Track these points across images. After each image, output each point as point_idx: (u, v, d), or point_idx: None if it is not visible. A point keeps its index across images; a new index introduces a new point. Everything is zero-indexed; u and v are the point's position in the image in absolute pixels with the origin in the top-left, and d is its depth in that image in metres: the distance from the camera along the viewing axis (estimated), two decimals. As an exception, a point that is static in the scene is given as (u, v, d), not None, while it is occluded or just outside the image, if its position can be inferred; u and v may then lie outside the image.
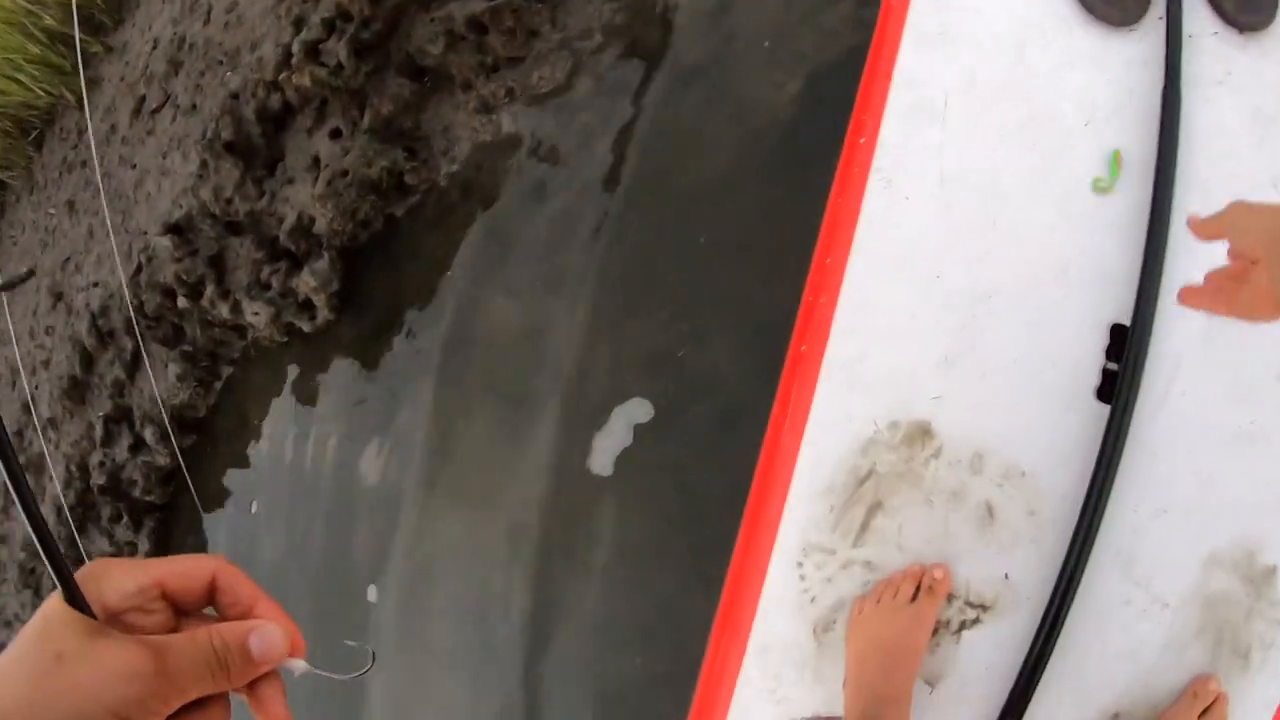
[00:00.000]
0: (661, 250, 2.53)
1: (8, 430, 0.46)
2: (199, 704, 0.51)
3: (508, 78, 2.92)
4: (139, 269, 3.76)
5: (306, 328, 3.07)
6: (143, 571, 0.52)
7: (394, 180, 2.97)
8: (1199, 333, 1.33)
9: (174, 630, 0.53)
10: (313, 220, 3.07)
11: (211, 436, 3.57)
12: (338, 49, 3.06)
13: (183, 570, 0.53)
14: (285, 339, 3.21)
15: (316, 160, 3.15)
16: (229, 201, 3.35)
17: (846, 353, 1.36)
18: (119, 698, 0.47)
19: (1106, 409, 1.28)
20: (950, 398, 1.34)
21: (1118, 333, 1.33)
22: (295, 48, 3.19)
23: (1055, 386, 1.33)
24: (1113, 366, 1.32)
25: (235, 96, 3.49)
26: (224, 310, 3.30)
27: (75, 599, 0.50)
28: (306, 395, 3.14)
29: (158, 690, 0.48)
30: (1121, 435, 1.26)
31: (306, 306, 3.08)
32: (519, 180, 2.80)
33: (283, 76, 3.21)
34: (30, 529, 0.52)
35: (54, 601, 0.50)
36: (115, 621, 0.50)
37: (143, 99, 4.52)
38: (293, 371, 3.21)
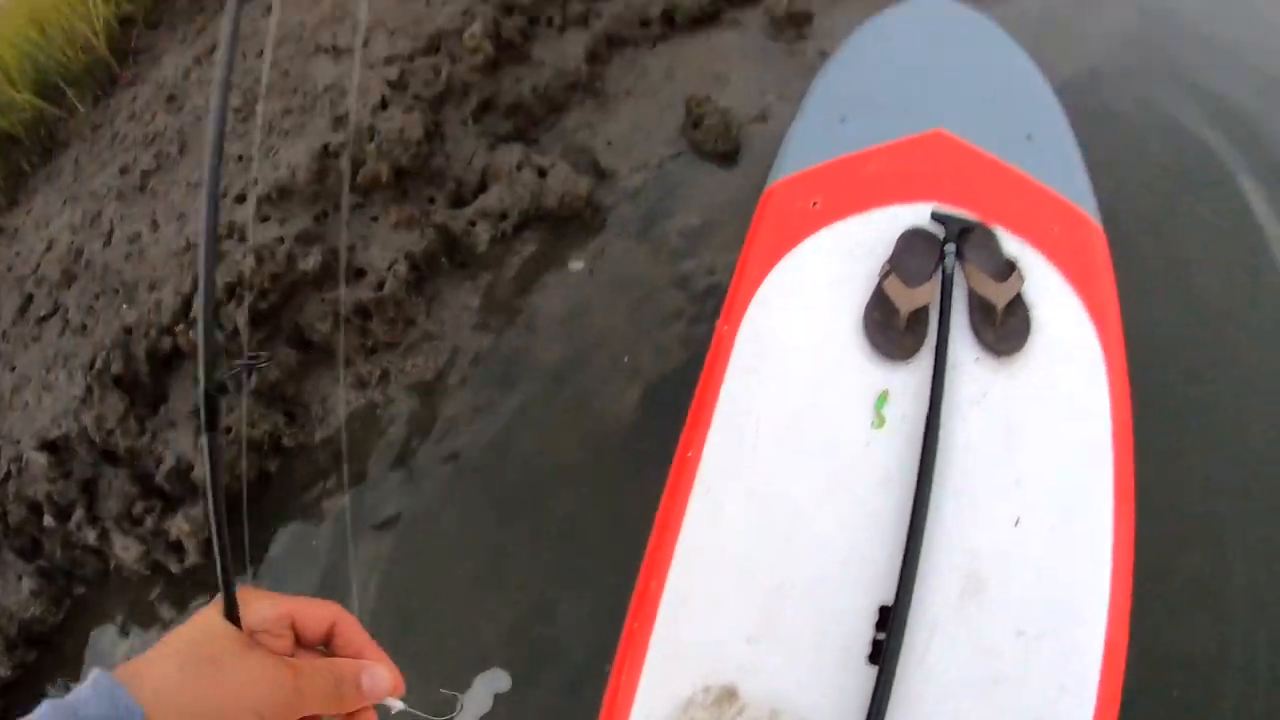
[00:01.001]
0: (516, 531, 2.95)
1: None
2: None
3: (384, 359, 3.38)
4: (7, 477, 3.86)
5: (174, 568, 3.27)
6: (281, 603, 0.63)
7: (273, 442, 3.32)
8: (952, 605, 1.64)
9: (292, 657, 0.62)
10: (191, 466, 3.36)
11: (56, 655, 3.62)
12: (235, 315, 3.45)
13: (311, 610, 0.64)
14: (149, 573, 3.38)
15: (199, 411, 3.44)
16: (110, 433, 3.57)
17: (670, 630, 1.69)
18: (261, 700, 0.57)
19: (875, 670, 1.57)
20: (752, 666, 1.64)
21: (884, 611, 1.64)
22: (195, 303, 3.56)
23: (836, 655, 1.63)
24: (881, 637, 1.61)
25: (129, 331, 3.77)
26: (90, 536, 3.46)
27: (233, 616, 0.60)
28: (161, 630, 3.31)
29: (292, 702, 0.59)
30: (886, 690, 1.53)
31: (177, 548, 3.29)
32: (385, 455, 3.20)
33: (179, 329, 3.56)
34: (217, 552, 0.64)
35: (213, 613, 0.60)
36: (250, 639, 0.61)
37: (30, 299, 4.69)
38: (151, 606, 3.37)
